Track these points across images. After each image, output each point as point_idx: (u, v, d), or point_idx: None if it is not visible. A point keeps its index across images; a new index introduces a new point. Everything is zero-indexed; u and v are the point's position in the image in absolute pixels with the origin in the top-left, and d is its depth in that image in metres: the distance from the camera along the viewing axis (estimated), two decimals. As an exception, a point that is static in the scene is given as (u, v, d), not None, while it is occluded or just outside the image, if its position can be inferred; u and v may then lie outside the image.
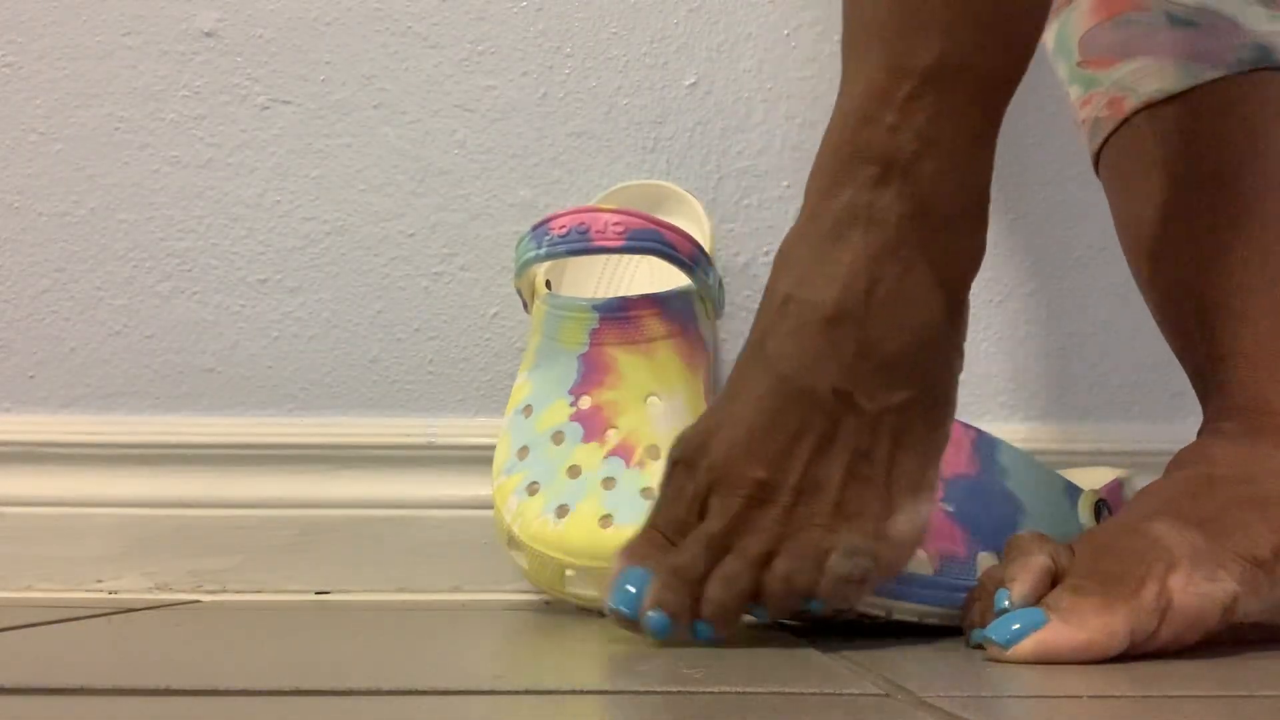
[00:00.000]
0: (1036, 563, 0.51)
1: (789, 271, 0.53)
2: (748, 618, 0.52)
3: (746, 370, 0.53)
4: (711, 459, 0.52)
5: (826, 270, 0.51)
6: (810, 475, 0.51)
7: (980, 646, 0.50)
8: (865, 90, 0.52)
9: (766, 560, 0.50)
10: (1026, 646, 0.47)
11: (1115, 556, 0.51)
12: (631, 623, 0.51)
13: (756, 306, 0.80)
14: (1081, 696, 0.42)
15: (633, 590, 0.50)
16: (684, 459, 0.53)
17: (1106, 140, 0.68)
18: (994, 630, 0.48)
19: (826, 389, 0.51)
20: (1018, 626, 0.48)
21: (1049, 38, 0.70)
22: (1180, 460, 0.61)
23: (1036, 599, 0.50)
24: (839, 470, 0.51)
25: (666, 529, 0.53)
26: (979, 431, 0.64)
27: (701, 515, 0.52)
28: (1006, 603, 0.50)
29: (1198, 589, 0.50)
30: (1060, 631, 0.48)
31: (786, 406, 0.51)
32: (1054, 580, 0.51)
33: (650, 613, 0.50)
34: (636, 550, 0.52)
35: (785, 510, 0.51)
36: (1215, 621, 0.51)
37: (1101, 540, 0.53)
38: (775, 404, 0.51)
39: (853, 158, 0.52)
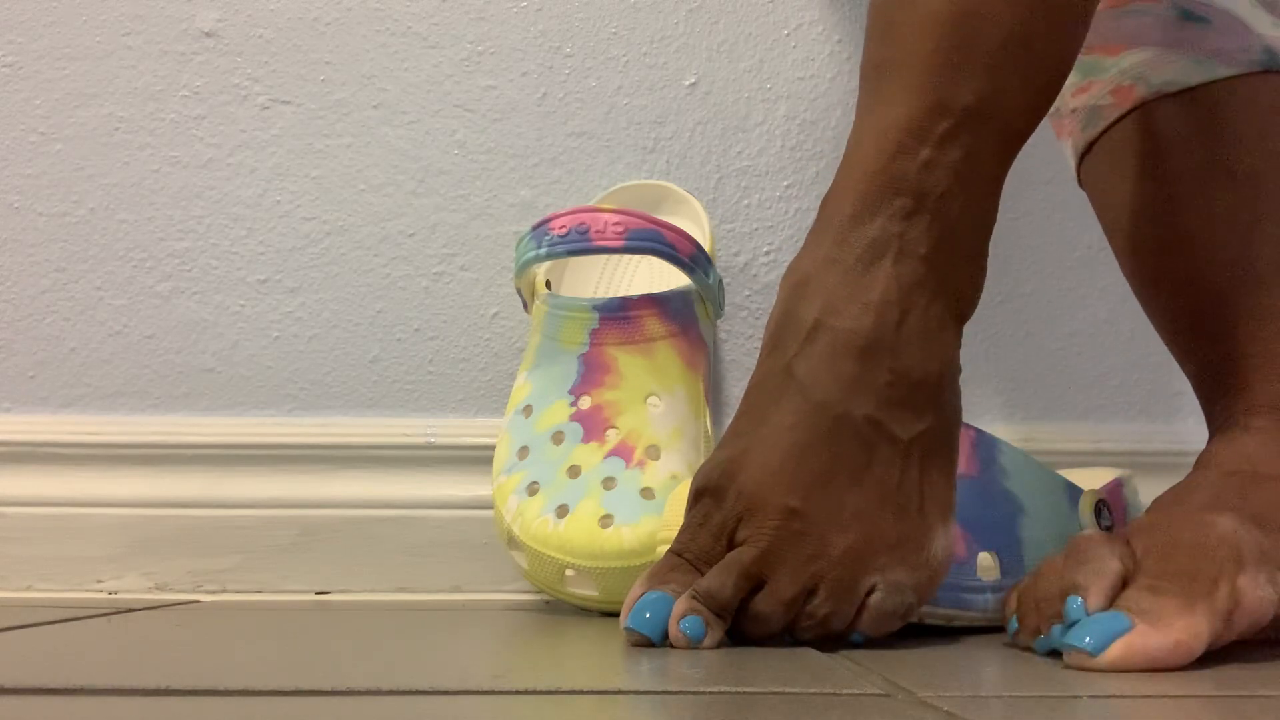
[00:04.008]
0: (1110, 567, 0.50)
1: (816, 297, 0.52)
2: None
3: (773, 395, 0.52)
4: (741, 487, 0.51)
5: (860, 298, 0.52)
6: (846, 506, 0.51)
7: (1053, 652, 0.49)
8: (902, 122, 0.52)
9: (803, 599, 0.50)
10: (1115, 652, 0.46)
11: (1185, 553, 0.50)
12: (649, 644, 0.50)
13: (756, 306, 0.80)
14: (1081, 697, 0.42)
15: (650, 614, 0.50)
16: (710, 488, 0.52)
17: (1106, 130, 0.67)
18: (1077, 637, 0.47)
19: (861, 417, 0.51)
20: (1105, 633, 0.46)
21: None
22: (1214, 457, 0.60)
23: (1109, 604, 0.48)
24: (874, 500, 0.51)
25: (690, 556, 0.52)
26: (979, 431, 0.64)
27: (730, 545, 0.51)
28: (1076, 607, 0.48)
29: (1262, 591, 0.49)
30: (1148, 636, 0.46)
31: (821, 434, 0.51)
32: (1123, 581, 0.50)
33: (683, 621, 0.49)
34: (657, 574, 0.52)
35: (820, 543, 0.50)
36: (1266, 625, 0.50)
37: (1166, 536, 0.52)
38: (809, 432, 0.51)
39: (885, 188, 0.52)
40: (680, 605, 0.50)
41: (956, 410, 0.54)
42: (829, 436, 0.51)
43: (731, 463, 0.52)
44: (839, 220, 0.53)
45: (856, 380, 0.51)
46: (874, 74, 0.55)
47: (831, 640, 0.51)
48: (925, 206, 0.52)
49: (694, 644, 0.49)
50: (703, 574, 0.51)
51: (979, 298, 0.55)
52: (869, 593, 0.51)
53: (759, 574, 0.50)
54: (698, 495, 0.53)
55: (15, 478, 0.83)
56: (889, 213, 0.52)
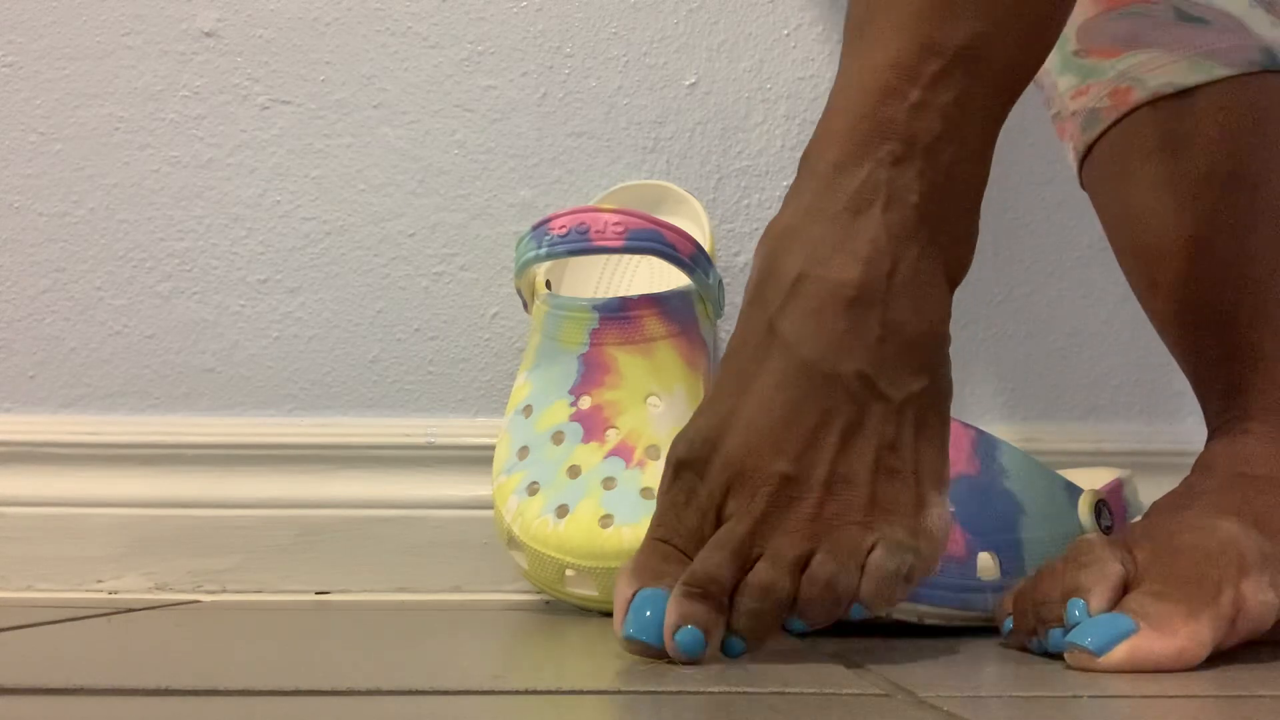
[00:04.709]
0: (1112, 570, 0.49)
1: (799, 248, 0.49)
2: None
3: (756, 355, 0.49)
4: (727, 455, 0.48)
5: (848, 248, 0.48)
6: (839, 468, 0.47)
7: (1046, 654, 0.49)
8: (890, 64, 0.49)
9: (803, 564, 0.46)
10: (1120, 654, 0.46)
11: (1188, 558, 0.50)
12: (653, 650, 0.46)
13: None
14: (1081, 696, 0.42)
15: (650, 614, 0.46)
16: (691, 460, 0.48)
17: (1104, 132, 0.67)
18: (1080, 636, 0.47)
19: (851, 374, 0.47)
20: (1110, 634, 0.46)
21: None
22: (1212, 462, 0.59)
23: (1111, 608, 0.48)
24: (868, 462, 0.47)
25: (678, 540, 0.48)
26: (979, 431, 0.64)
27: (718, 521, 0.48)
28: (1076, 614, 0.48)
29: (1264, 596, 0.49)
30: (1153, 640, 0.46)
31: (809, 393, 0.47)
32: (1124, 586, 0.50)
33: (679, 633, 0.45)
34: (647, 568, 0.47)
35: (815, 507, 0.47)
36: (1267, 630, 0.50)
37: (1168, 540, 0.52)
38: (796, 391, 0.47)
39: (872, 133, 0.49)
40: (673, 611, 0.45)
41: (949, 379, 0.51)
42: (818, 395, 0.47)
43: (714, 430, 0.48)
44: (822, 168, 0.50)
45: (846, 335, 0.48)
46: (860, 18, 0.52)
47: (837, 610, 0.47)
48: (915, 152, 0.48)
49: (693, 658, 0.45)
50: (693, 560, 0.47)
51: (970, 260, 0.52)
52: (869, 552, 0.47)
53: (754, 548, 0.46)
54: (677, 469, 0.49)
55: (15, 478, 0.82)
56: (877, 158, 0.49)
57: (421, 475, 0.84)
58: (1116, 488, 0.69)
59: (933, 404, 0.50)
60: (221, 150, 0.86)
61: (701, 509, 0.48)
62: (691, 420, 0.50)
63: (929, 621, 0.57)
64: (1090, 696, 0.42)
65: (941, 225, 0.50)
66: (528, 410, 0.73)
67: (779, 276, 0.49)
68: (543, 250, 0.74)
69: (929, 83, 0.49)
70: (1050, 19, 0.52)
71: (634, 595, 0.47)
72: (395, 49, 0.87)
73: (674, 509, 0.48)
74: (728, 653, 0.46)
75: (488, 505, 0.74)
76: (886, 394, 0.48)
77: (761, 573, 0.46)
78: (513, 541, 0.69)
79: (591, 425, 0.71)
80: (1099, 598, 0.48)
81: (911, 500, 0.48)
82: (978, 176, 0.51)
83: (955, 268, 0.51)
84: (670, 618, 0.45)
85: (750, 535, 0.47)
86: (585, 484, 0.68)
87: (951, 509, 0.60)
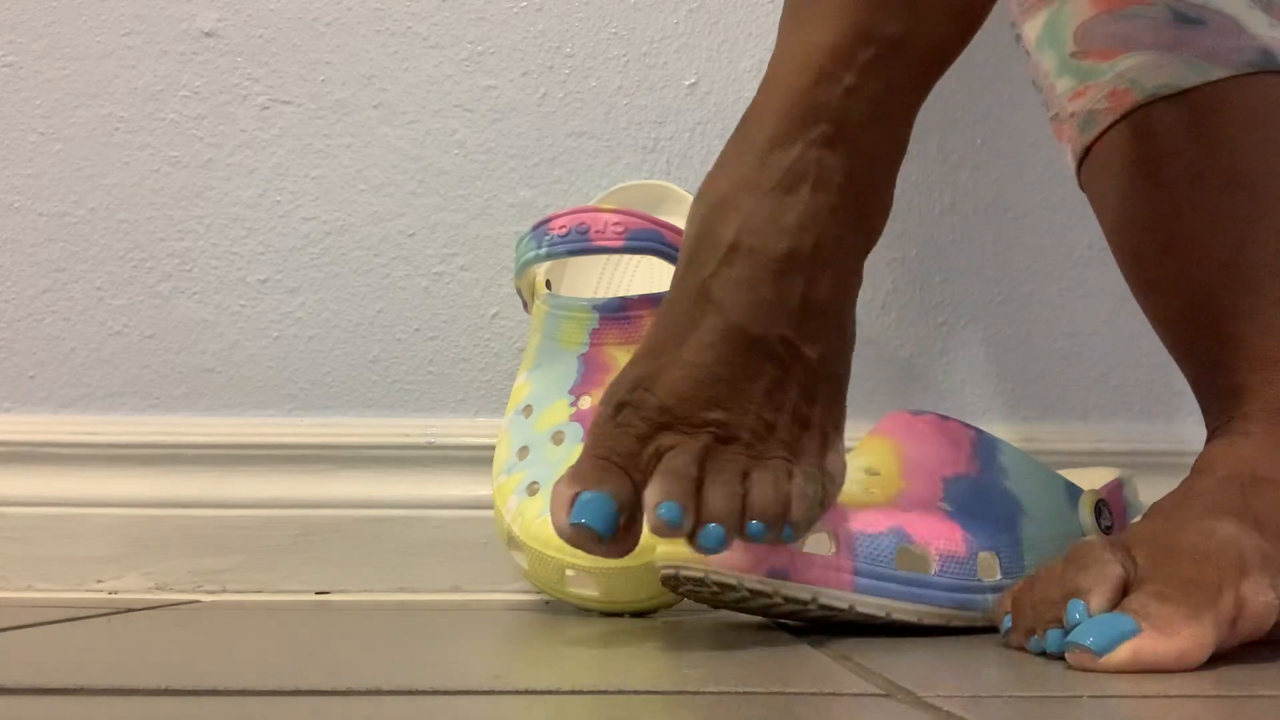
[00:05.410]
0: (1113, 572, 0.50)
1: (734, 218, 0.53)
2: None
3: (691, 314, 0.53)
4: (662, 402, 0.52)
5: (779, 222, 0.53)
6: (763, 418, 0.52)
7: (1045, 654, 0.50)
8: (827, 47, 0.53)
9: (743, 480, 0.51)
10: (1122, 655, 0.46)
11: (1189, 560, 0.50)
12: (597, 536, 0.50)
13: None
14: (1082, 696, 0.42)
15: (597, 508, 0.49)
16: (632, 402, 0.52)
17: (1103, 134, 0.67)
18: (1082, 635, 0.47)
19: (775, 338, 0.53)
20: (1112, 634, 0.47)
21: (1033, 30, 0.70)
22: (1211, 463, 0.60)
23: (1111, 609, 0.48)
24: (787, 413, 0.53)
25: (616, 459, 0.51)
26: (979, 431, 0.64)
27: (656, 453, 0.52)
28: (1077, 615, 0.48)
29: (1265, 597, 0.50)
30: (1156, 641, 0.47)
31: (739, 353, 0.52)
32: (1124, 587, 0.50)
33: (663, 506, 0.49)
34: (589, 475, 0.51)
35: (746, 446, 0.52)
36: (1267, 631, 0.50)
37: (1168, 541, 0.52)
38: (727, 350, 0.52)
39: (807, 113, 0.53)
40: (656, 490, 0.49)
41: (854, 334, 0.56)
42: (747, 355, 0.52)
43: (651, 379, 0.53)
44: (759, 142, 0.54)
45: (772, 302, 0.53)
46: (798, 3, 0.55)
47: (782, 512, 0.51)
48: (844, 135, 0.53)
49: (675, 530, 0.49)
50: (632, 478, 0.51)
51: (883, 229, 0.56)
52: (791, 479, 0.52)
53: (701, 467, 0.51)
54: (617, 408, 0.53)
55: (15, 478, 0.83)
56: (809, 139, 0.53)
57: (421, 475, 0.84)
58: (1116, 488, 0.69)
59: (841, 358, 0.56)
60: (221, 150, 0.86)
61: (640, 437, 0.52)
62: (628, 368, 0.54)
63: (929, 621, 0.57)
64: (1090, 696, 0.42)
65: (861, 202, 0.55)
66: (528, 410, 0.73)
67: (714, 243, 0.54)
68: (543, 250, 0.74)
69: (861, 69, 0.53)
70: (975, 11, 0.55)
71: (576, 495, 0.50)
72: (395, 49, 0.87)
73: (612, 437, 0.52)
74: (706, 542, 0.50)
75: (488, 505, 0.74)
76: (805, 354, 0.53)
77: (717, 481, 0.51)
78: (513, 541, 0.69)
79: (591, 425, 0.70)
80: (1099, 598, 0.49)
81: (818, 444, 0.54)
82: (897, 156, 0.56)
83: (870, 238, 0.56)
84: (653, 496, 0.49)
85: (697, 458, 0.51)
86: (585, 484, 0.68)
87: (950, 509, 0.60)
